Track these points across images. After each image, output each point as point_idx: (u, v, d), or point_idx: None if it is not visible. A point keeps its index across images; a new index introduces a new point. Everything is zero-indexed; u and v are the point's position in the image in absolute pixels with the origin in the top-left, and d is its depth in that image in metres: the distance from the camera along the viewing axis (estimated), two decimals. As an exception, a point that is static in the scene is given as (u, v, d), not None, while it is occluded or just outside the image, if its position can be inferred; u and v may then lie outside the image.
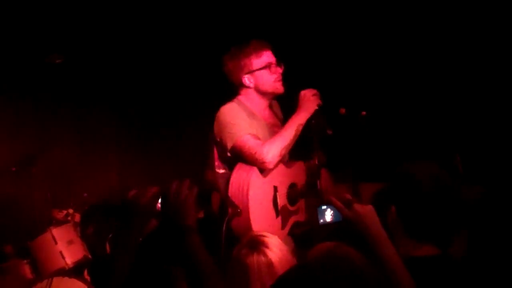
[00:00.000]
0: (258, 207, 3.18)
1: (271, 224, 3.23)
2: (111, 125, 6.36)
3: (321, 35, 5.03)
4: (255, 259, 2.22)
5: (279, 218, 3.29)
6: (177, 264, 2.07)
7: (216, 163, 3.43)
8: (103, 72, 6.15)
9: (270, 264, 2.20)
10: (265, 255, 2.22)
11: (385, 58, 4.95)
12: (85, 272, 4.94)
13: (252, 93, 3.41)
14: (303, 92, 3.32)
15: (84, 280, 4.61)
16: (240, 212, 3.09)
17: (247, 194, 3.14)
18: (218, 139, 3.35)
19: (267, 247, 2.25)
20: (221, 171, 3.41)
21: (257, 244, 2.27)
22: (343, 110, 3.37)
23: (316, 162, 3.40)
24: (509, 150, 4.24)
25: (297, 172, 3.45)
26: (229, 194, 3.23)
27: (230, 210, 3.08)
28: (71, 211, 4.93)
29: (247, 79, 3.37)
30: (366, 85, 4.93)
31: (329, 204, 2.01)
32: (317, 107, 3.30)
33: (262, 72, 3.34)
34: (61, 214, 4.88)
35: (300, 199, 3.45)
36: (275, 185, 3.30)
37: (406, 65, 4.85)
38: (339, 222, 2.02)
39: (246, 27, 5.50)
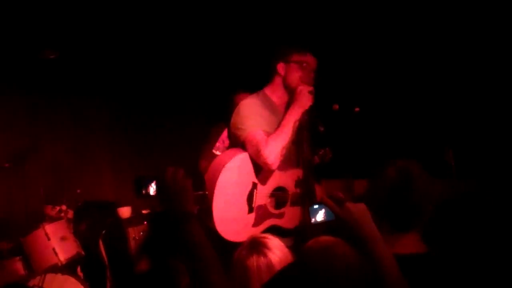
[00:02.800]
0: (225, 195, 3.20)
1: (237, 216, 3.24)
2: (104, 121, 6.36)
3: (315, 33, 5.03)
4: (254, 260, 2.22)
5: (252, 214, 3.29)
6: (179, 256, 2.05)
7: (217, 144, 3.49)
8: (96, 68, 6.13)
9: (270, 264, 2.20)
10: (265, 256, 2.22)
11: (379, 55, 4.96)
12: (78, 269, 4.94)
13: (279, 84, 3.48)
14: (299, 88, 3.35)
15: (77, 277, 4.61)
16: (206, 194, 3.13)
17: (216, 179, 3.18)
18: (233, 130, 3.41)
19: (268, 248, 2.25)
20: (218, 153, 3.47)
21: (258, 245, 2.27)
22: (336, 106, 3.39)
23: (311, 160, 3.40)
24: (501, 145, 4.26)
25: (291, 178, 3.43)
26: (206, 177, 3.29)
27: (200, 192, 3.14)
28: (64, 207, 4.90)
29: (281, 67, 3.45)
30: (360, 82, 4.94)
31: (321, 203, 2.00)
32: (311, 104, 3.32)
33: (295, 66, 3.42)
34: (54, 211, 4.85)
35: (290, 205, 3.42)
36: (255, 182, 3.30)
37: (399, 62, 4.87)
38: (332, 221, 2.01)
39: (239, 25, 5.51)
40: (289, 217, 3.43)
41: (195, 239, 1.96)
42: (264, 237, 2.33)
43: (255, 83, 3.62)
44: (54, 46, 5.49)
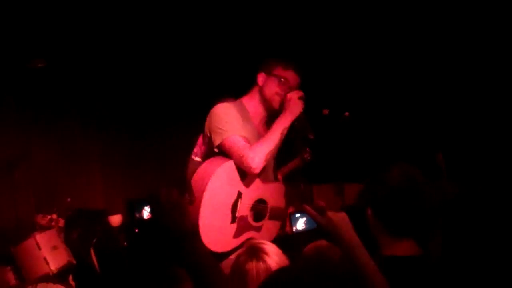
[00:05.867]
0: (212, 202, 3.20)
1: (221, 225, 3.24)
2: (94, 129, 6.34)
3: (305, 37, 5.05)
4: (254, 265, 2.23)
5: (234, 225, 3.29)
6: (180, 264, 2.06)
7: (195, 150, 3.50)
8: (85, 76, 6.13)
9: (269, 270, 2.21)
10: (264, 261, 2.24)
11: (369, 60, 4.98)
12: (70, 278, 4.92)
13: (256, 96, 3.47)
14: (289, 95, 3.34)
15: (69, 286, 4.60)
16: (193, 200, 3.13)
17: (206, 185, 3.18)
18: (207, 132, 3.39)
19: (266, 254, 2.27)
20: (197, 159, 3.47)
21: (257, 251, 2.28)
22: (326, 111, 3.40)
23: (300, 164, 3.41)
24: (493, 148, 4.29)
25: (271, 191, 3.43)
26: (192, 181, 3.27)
27: (186, 196, 3.13)
28: (54, 216, 4.89)
29: (261, 78, 3.45)
30: (349, 86, 4.96)
31: (303, 212, 2.01)
32: (302, 110, 3.33)
33: (274, 79, 3.40)
34: (45, 220, 4.84)
35: (268, 219, 3.41)
36: (241, 191, 3.31)
37: (389, 67, 4.89)
38: (313, 229, 2.02)
39: (228, 30, 5.52)
40: (266, 230, 3.42)
41: (198, 256, 1.97)
42: (262, 243, 2.35)
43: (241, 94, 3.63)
44: (43, 56, 5.49)
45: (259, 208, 3.40)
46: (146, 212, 2.02)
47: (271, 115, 3.48)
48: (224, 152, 3.31)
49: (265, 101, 3.44)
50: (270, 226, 3.43)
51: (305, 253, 2.29)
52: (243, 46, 5.37)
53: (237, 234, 3.30)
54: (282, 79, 3.38)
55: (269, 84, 3.41)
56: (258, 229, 3.40)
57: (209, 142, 3.40)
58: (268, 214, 3.40)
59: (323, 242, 2.22)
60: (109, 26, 5.71)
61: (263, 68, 3.45)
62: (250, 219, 3.35)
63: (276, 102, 3.41)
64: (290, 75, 3.41)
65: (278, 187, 3.50)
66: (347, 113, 3.43)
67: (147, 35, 5.86)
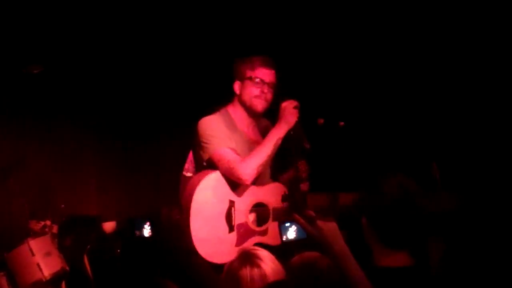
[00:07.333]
0: (202, 215, 3.19)
1: (218, 236, 3.22)
2: (88, 135, 6.34)
3: (299, 45, 5.07)
4: (248, 271, 2.23)
5: (234, 234, 3.27)
6: (166, 274, 2.06)
7: (186, 166, 3.50)
8: (81, 84, 6.13)
9: (263, 275, 2.21)
10: (258, 267, 2.23)
11: (363, 69, 5.00)
12: (63, 284, 4.91)
13: (238, 104, 3.47)
14: (284, 104, 3.33)
15: (62, 292, 4.59)
16: (184, 217, 3.14)
17: (191, 201, 3.18)
18: (196, 148, 3.39)
19: (260, 259, 2.26)
20: (188, 174, 3.47)
21: (250, 257, 2.28)
22: (321, 121, 3.40)
23: (295, 174, 3.40)
24: (488, 158, 4.31)
25: (270, 193, 3.41)
26: (182, 197, 3.29)
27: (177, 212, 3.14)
28: (48, 222, 4.88)
29: (237, 86, 3.44)
30: (344, 96, 4.98)
31: (293, 221, 2.02)
32: (297, 120, 3.32)
33: (248, 82, 3.39)
34: (38, 226, 4.83)
35: (272, 221, 3.39)
36: (232, 199, 3.30)
37: (383, 76, 4.91)
38: (303, 239, 2.03)
39: (221, 44, 5.53)
40: (273, 233, 3.39)
41: (200, 273, 1.98)
42: (255, 249, 2.35)
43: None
44: (39, 61, 5.49)
45: (260, 212, 3.38)
46: (146, 230, 2.00)
47: (260, 116, 3.50)
48: (213, 166, 3.30)
49: (247, 108, 3.44)
50: (276, 228, 3.41)
51: (290, 264, 2.30)
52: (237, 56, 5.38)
53: (239, 242, 3.28)
54: (256, 79, 3.37)
55: (245, 90, 3.41)
56: (263, 233, 3.36)
57: (198, 158, 3.40)
58: (271, 216, 3.37)
59: (310, 254, 2.23)
60: (107, 33, 5.72)
61: (236, 75, 3.45)
62: (251, 225, 3.33)
63: (257, 105, 3.41)
64: (261, 72, 3.40)
65: (277, 187, 3.46)
66: (342, 123, 3.44)
67: (147, 42, 5.88)
